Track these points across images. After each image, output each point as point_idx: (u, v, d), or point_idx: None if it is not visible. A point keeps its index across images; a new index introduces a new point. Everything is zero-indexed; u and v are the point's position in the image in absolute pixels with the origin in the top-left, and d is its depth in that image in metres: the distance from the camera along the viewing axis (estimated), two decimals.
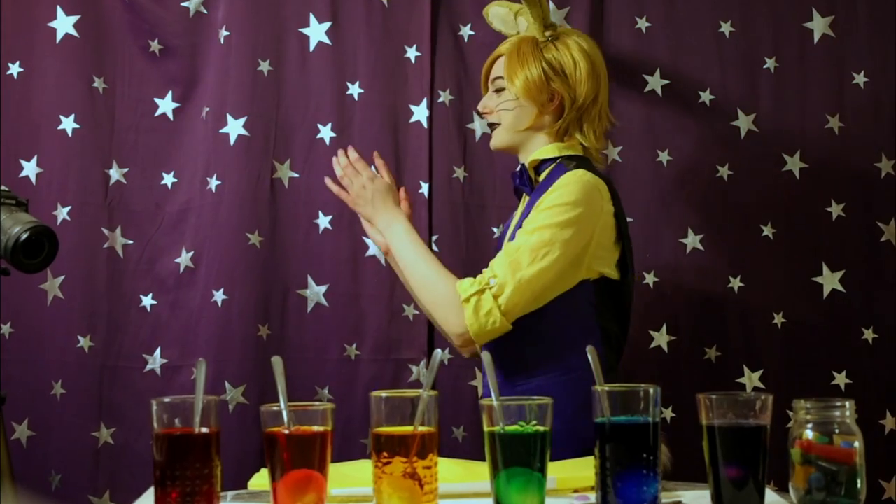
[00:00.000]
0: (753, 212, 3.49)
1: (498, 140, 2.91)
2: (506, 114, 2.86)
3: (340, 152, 2.93)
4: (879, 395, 3.45)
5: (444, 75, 3.49)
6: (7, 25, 3.44)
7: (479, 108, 2.95)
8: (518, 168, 2.89)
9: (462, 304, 2.60)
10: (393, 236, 2.81)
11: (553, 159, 2.82)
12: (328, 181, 2.95)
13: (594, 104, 2.86)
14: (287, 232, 3.45)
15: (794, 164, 3.50)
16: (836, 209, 3.49)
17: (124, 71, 3.50)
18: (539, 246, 2.60)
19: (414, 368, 3.41)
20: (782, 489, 1.99)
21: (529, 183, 2.85)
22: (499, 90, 2.89)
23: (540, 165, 2.84)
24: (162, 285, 3.47)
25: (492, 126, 2.93)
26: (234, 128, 3.41)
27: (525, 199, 2.87)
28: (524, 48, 2.87)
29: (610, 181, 2.80)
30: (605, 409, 1.87)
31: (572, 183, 2.67)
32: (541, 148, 2.85)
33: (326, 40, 3.48)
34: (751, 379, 3.44)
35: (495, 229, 3.43)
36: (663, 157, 3.49)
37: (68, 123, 3.42)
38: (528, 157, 2.86)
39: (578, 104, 2.83)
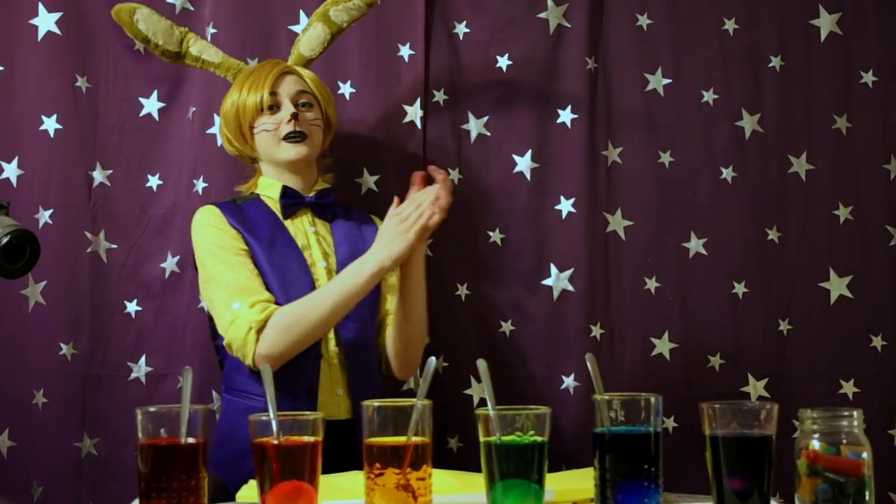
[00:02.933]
0: (758, 215, 3.50)
1: (310, 153, 3.07)
2: (317, 130, 3.10)
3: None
4: (888, 405, 3.46)
5: (438, 74, 3.49)
6: None
7: (297, 113, 3.01)
8: (313, 191, 3.12)
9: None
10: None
11: (329, 188, 3.15)
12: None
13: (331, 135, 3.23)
14: None
15: (800, 165, 3.51)
16: (843, 212, 3.50)
17: (108, 69, 3.49)
18: None
19: None
20: (788, 501, 2.00)
21: (332, 207, 3.14)
22: (306, 105, 3.06)
23: (325, 193, 3.11)
24: (147, 291, 3.46)
25: (295, 135, 3.02)
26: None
27: (320, 222, 3.09)
28: (319, 79, 3.17)
29: None
30: (605, 419, 1.87)
31: None
32: (319, 176, 3.17)
33: None
34: (755, 387, 3.44)
35: (491, 233, 3.43)
36: (665, 158, 3.49)
37: (50, 124, 3.41)
38: (310, 179, 3.13)
39: (332, 132, 3.22)
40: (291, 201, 3.04)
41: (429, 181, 3.07)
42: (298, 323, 2.78)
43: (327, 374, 2.91)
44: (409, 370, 3.10)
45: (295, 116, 2.97)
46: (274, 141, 3.01)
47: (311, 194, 3.07)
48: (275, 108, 3.01)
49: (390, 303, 3.08)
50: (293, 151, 3.00)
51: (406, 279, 2.95)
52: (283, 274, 2.91)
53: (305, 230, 3.03)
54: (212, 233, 2.95)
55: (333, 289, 2.80)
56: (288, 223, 3.02)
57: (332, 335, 2.93)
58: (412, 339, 3.03)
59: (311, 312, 2.78)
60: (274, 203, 3.05)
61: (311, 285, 2.90)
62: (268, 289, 2.87)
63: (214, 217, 2.98)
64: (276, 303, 2.83)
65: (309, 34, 3.20)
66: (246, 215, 3.01)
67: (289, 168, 3.05)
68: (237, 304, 2.81)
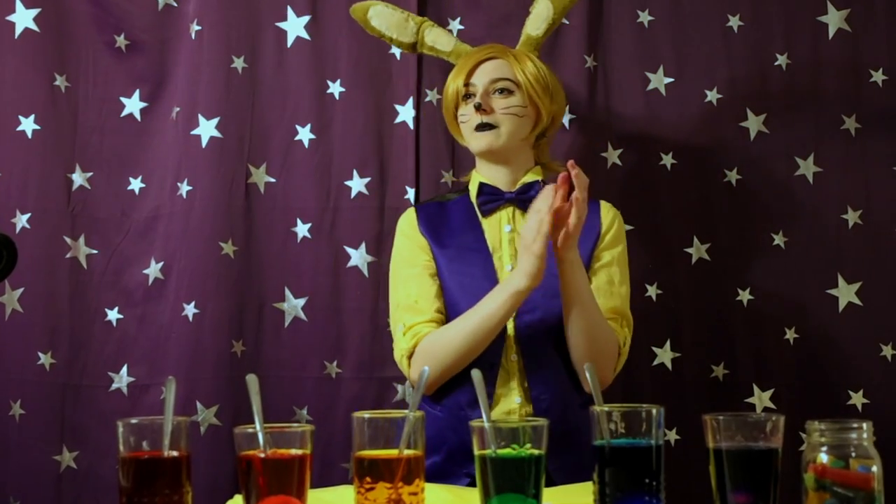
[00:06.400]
0: (764, 219, 3.50)
1: (499, 142, 2.96)
2: (513, 119, 2.95)
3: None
4: None
5: (431, 73, 3.50)
6: None
7: (481, 103, 2.93)
8: (518, 185, 3.00)
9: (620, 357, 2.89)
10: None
11: (537, 182, 2.98)
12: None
13: (555, 125, 3.11)
14: (263, 241, 3.45)
15: (807, 167, 3.51)
16: (852, 216, 3.50)
17: (88, 68, 3.50)
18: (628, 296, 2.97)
19: (399, 387, 3.42)
20: None
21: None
22: (503, 91, 2.96)
23: (529, 186, 2.98)
24: (129, 298, 3.46)
25: (483, 126, 2.94)
26: (206, 129, 3.41)
27: (522, 219, 2.94)
28: (537, 67, 3.02)
29: None
30: (605, 431, 1.87)
31: (622, 223, 3.05)
32: (530, 167, 3.05)
33: (305, 35, 3.48)
34: (761, 399, 3.44)
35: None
36: (667, 160, 3.49)
37: (28, 124, 3.42)
38: (517, 173, 3.02)
39: (557, 124, 3.12)
40: (488, 199, 2.99)
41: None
42: (440, 352, 2.80)
43: (504, 381, 2.89)
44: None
45: (478, 107, 2.93)
46: (468, 132, 2.99)
47: (514, 189, 3.01)
48: (471, 97, 2.98)
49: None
50: (478, 143, 2.97)
51: (564, 289, 2.78)
52: (463, 281, 2.90)
53: (500, 230, 2.98)
54: (400, 242, 3.01)
55: (473, 315, 2.78)
56: (485, 222, 2.99)
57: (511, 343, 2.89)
58: (588, 352, 2.82)
59: (451, 342, 2.79)
60: (475, 200, 3.03)
61: None
62: (450, 299, 2.90)
63: (408, 223, 3.02)
64: (444, 321, 2.88)
65: (536, 11, 3.14)
66: (445, 216, 3.03)
67: (487, 158, 3.02)
68: (400, 326, 2.88)
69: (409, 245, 2.97)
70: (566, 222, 2.67)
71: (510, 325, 2.84)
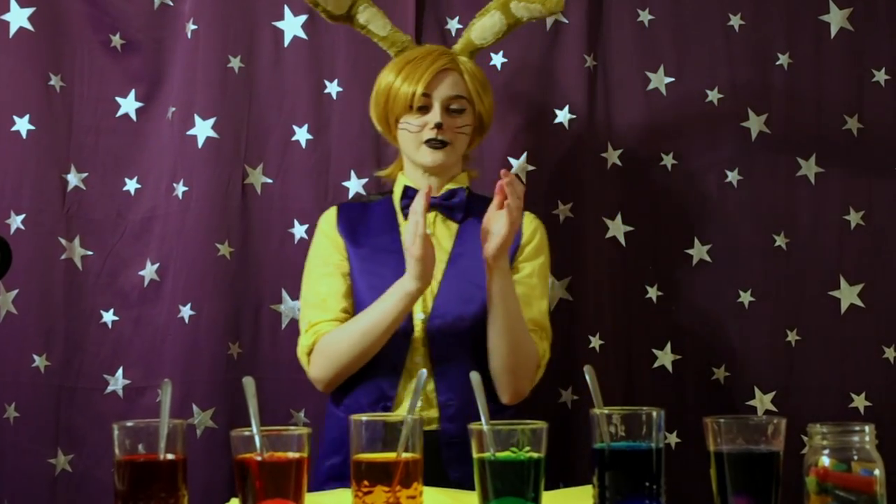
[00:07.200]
0: (765, 220, 3.50)
1: (451, 160, 3.01)
2: (464, 138, 3.02)
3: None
4: None
5: None
6: None
7: (440, 122, 2.92)
8: (443, 190, 3.03)
9: (538, 370, 2.93)
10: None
11: (461, 189, 3.05)
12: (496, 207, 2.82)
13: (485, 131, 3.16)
14: (260, 242, 3.45)
15: (809, 168, 3.51)
16: (854, 217, 3.50)
17: (83, 68, 3.49)
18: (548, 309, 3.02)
19: None
20: None
21: (461, 208, 3.02)
22: (458, 110, 2.98)
23: (453, 193, 3.02)
24: (124, 300, 3.46)
25: (438, 143, 2.95)
26: (203, 129, 3.41)
27: (444, 225, 3.02)
28: (481, 74, 3.08)
29: None
30: (605, 434, 1.87)
31: (544, 235, 3.05)
32: (457, 173, 3.08)
33: (302, 34, 3.48)
34: (762, 401, 3.45)
35: None
36: (667, 160, 3.50)
37: (22, 125, 3.41)
38: (445, 179, 3.05)
39: (487, 129, 3.14)
40: (410, 202, 2.95)
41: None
42: (336, 351, 2.83)
43: (406, 384, 2.89)
44: (514, 396, 2.91)
45: (440, 126, 2.93)
46: (415, 142, 2.97)
47: (439, 195, 3.01)
48: (424, 109, 2.97)
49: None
50: (430, 158, 2.96)
51: (491, 297, 2.81)
52: (372, 282, 2.91)
53: None
54: (317, 240, 3.04)
55: (367, 315, 2.81)
56: (405, 224, 2.99)
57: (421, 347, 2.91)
58: (510, 362, 2.87)
59: (345, 341, 2.82)
60: (399, 202, 3.04)
61: None
62: (359, 299, 2.92)
63: (327, 222, 3.04)
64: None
65: (484, 21, 3.12)
66: (365, 217, 3.05)
67: (430, 171, 3.02)
68: (304, 323, 2.92)
69: (326, 244, 2.99)
70: (499, 230, 2.74)
71: (418, 328, 2.87)
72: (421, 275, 2.70)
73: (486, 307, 2.84)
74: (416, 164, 3.01)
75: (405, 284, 2.73)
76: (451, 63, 2.99)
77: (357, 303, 2.92)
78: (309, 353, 2.88)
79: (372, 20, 3.10)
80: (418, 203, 2.70)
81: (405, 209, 2.99)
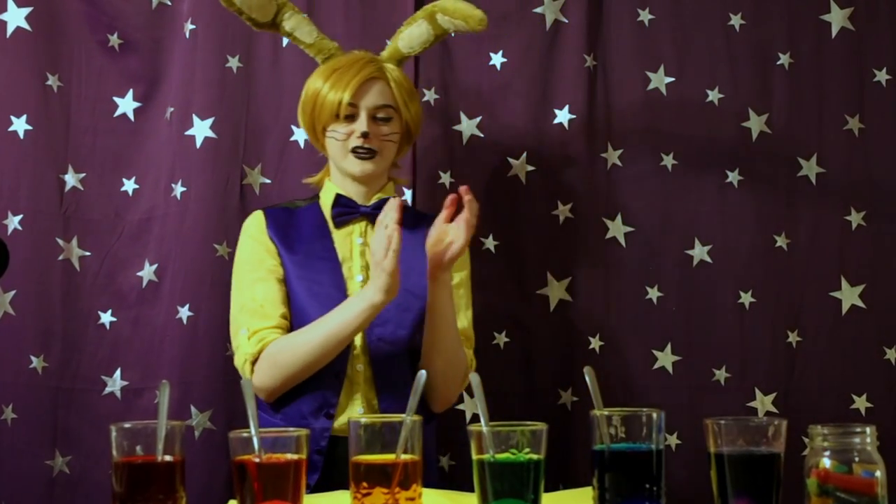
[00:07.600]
0: (766, 221, 3.50)
1: (378, 169, 3.02)
2: (391, 146, 3.03)
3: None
4: None
5: (428, 73, 3.50)
6: None
7: (365, 131, 2.93)
8: (373, 199, 3.03)
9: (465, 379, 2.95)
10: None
11: (390, 198, 2.97)
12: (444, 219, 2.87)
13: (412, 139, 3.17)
14: None
15: (809, 168, 3.51)
16: (855, 218, 3.50)
17: (81, 68, 3.49)
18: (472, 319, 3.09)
19: None
20: None
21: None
22: (385, 119, 2.99)
23: (384, 202, 2.96)
24: (122, 301, 3.46)
25: (365, 152, 2.95)
26: (201, 129, 3.40)
27: (374, 234, 2.96)
28: (408, 82, 3.09)
29: None
30: (605, 436, 1.87)
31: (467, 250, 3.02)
32: (385, 182, 3.09)
33: None
34: (763, 403, 3.45)
35: (483, 239, 3.42)
36: (667, 161, 3.49)
37: (20, 125, 3.41)
38: (374, 188, 3.06)
39: (415, 136, 3.16)
40: (343, 210, 3.00)
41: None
42: (288, 358, 2.80)
43: (348, 392, 2.90)
44: (444, 403, 3.01)
45: (365, 135, 2.94)
46: (342, 151, 2.98)
47: (370, 203, 3.02)
48: (351, 118, 2.97)
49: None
50: (358, 168, 2.97)
51: (432, 307, 2.87)
52: (311, 288, 2.91)
53: (352, 242, 3.00)
54: (246, 244, 3.00)
55: (325, 325, 2.79)
56: (336, 233, 3.00)
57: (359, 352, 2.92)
58: (443, 371, 2.92)
59: (301, 348, 2.80)
60: (328, 210, 3.04)
61: (342, 300, 2.85)
62: (298, 306, 2.90)
63: (255, 226, 3.01)
64: (290, 327, 2.89)
65: (412, 30, 3.13)
66: (294, 223, 3.03)
67: (358, 179, 3.02)
68: (243, 329, 2.87)
69: (257, 248, 2.97)
70: (459, 238, 2.79)
71: (358, 336, 2.87)
72: (390, 288, 2.70)
73: (422, 315, 2.89)
74: (344, 173, 3.02)
75: (370, 296, 2.72)
76: (377, 72, 3.00)
77: (296, 309, 2.92)
78: (254, 362, 2.84)
79: (297, 27, 3.11)
80: (389, 217, 2.69)
81: (336, 218, 3.00)
